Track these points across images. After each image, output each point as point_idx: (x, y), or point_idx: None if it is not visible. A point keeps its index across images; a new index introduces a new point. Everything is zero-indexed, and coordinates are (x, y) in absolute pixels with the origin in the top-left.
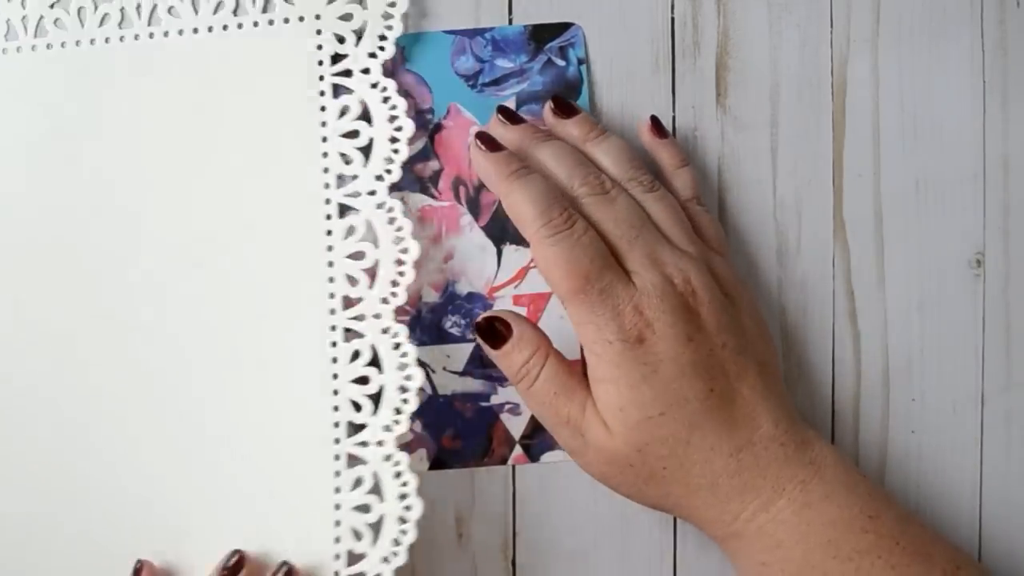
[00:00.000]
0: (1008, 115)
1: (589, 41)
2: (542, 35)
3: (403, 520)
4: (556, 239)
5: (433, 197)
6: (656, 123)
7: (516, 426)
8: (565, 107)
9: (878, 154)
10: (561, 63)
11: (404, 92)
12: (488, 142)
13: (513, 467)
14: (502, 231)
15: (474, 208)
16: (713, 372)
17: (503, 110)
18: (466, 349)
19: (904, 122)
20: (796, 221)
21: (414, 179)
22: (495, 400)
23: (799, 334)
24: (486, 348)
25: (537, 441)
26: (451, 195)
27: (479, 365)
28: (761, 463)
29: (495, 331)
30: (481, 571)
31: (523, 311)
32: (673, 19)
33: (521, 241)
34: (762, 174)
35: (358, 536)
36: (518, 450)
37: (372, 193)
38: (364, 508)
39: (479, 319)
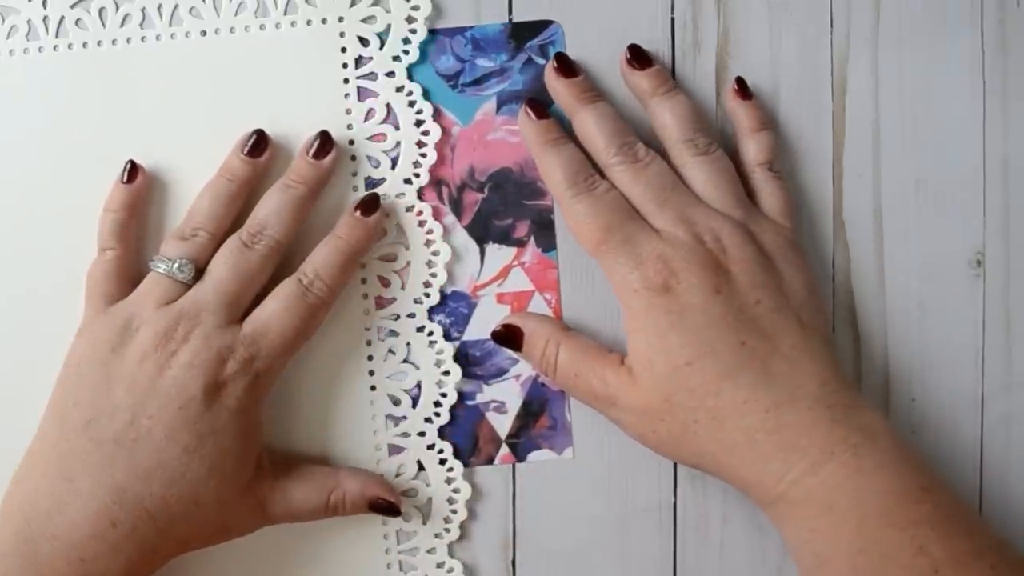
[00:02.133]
0: (1008, 115)
1: (590, 41)
2: (522, 34)
3: (452, 501)
4: (580, 198)
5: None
6: (741, 84)
7: (502, 425)
8: (640, 57)
9: (878, 154)
10: (542, 61)
11: None
12: (536, 109)
13: (513, 467)
14: (485, 230)
15: (456, 208)
16: (746, 326)
17: (560, 59)
18: (451, 348)
19: (904, 122)
20: (796, 221)
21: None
22: (480, 399)
23: None
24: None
25: (523, 440)
26: (434, 195)
27: (465, 364)
28: (804, 422)
29: (510, 336)
30: (481, 571)
31: (506, 309)
32: (673, 19)
33: (504, 240)
34: None
35: (405, 517)
36: (504, 449)
37: (400, 196)
38: (411, 492)
39: (494, 330)
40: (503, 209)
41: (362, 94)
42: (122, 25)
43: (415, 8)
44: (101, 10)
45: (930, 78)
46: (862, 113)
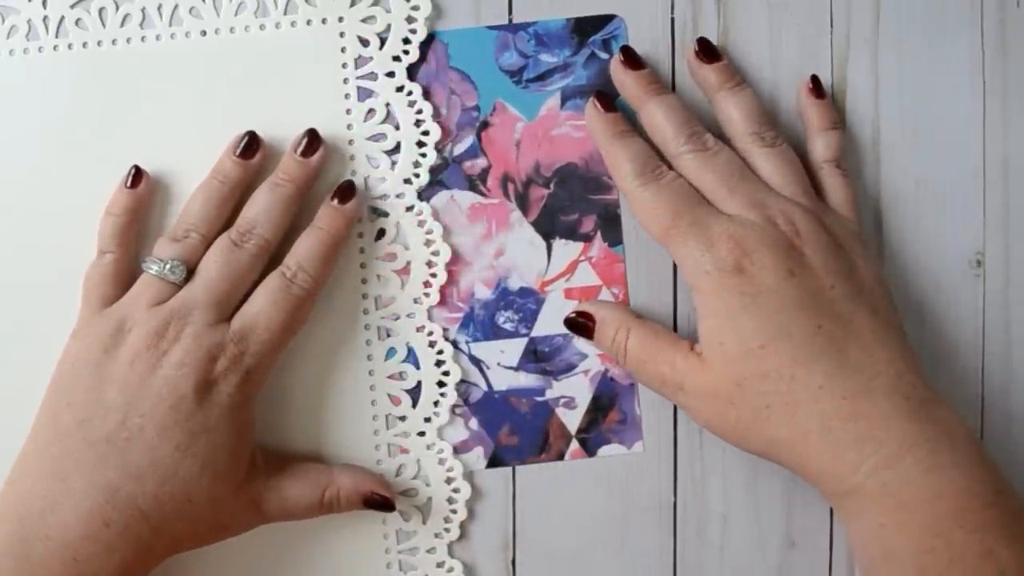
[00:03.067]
0: (1008, 115)
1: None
2: (585, 28)
3: (452, 501)
4: (647, 186)
5: (482, 194)
6: (816, 83)
7: (572, 420)
8: (709, 51)
9: (878, 154)
10: (605, 56)
11: (449, 90)
12: (604, 102)
13: (513, 467)
14: (551, 226)
15: (523, 204)
16: (821, 310)
17: (626, 51)
18: (519, 344)
19: (904, 122)
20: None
21: (463, 177)
22: (550, 394)
23: None
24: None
25: (593, 434)
26: (500, 192)
27: (533, 359)
28: (882, 412)
29: (581, 324)
30: (481, 571)
31: (574, 304)
32: (673, 19)
33: (570, 235)
34: None
35: (405, 517)
36: (574, 444)
37: (400, 196)
38: (411, 492)
39: (567, 317)
40: (569, 204)
41: (362, 94)
42: (122, 25)
43: (415, 8)
44: (101, 10)
45: (930, 78)
46: (862, 113)
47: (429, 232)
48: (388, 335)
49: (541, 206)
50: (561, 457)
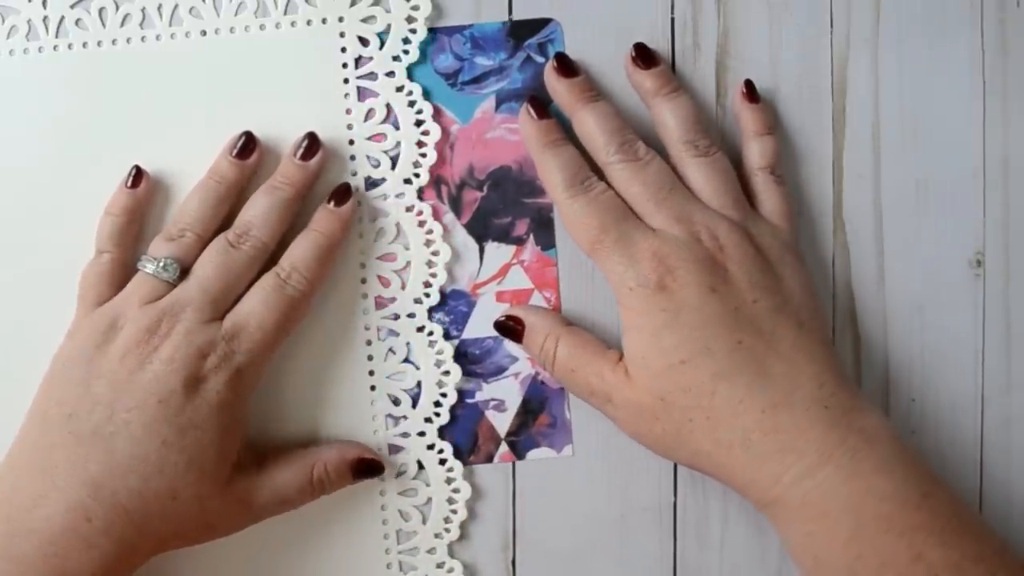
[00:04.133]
0: (1008, 115)
1: (590, 41)
2: (521, 32)
3: (452, 501)
4: (576, 199)
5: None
6: (750, 88)
7: (502, 423)
8: (646, 56)
9: (878, 154)
10: (540, 60)
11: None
12: (538, 108)
13: (513, 466)
14: (484, 228)
15: (456, 206)
16: (742, 325)
17: (560, 58)
18: (451, 348)
19: (904, 122)
20: (795, 225)
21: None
22: (480, 397)
23: None
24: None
25: (523, 438)
26: (433, 194)
27: (464, 362)
28: (801, 424)
29: (510, 328)
30: (481, 571)
31: (506, 307)
32: (673, 19)
33: (503, 238)
34: None
35: (405, 517)
36: (504, 447)
37: (400, 196)
38: (411, 492)
39: (496, 320)
40: (502, 207)
41: (362, 94)
42: (122, 25)
43: (415, 8)
44: (101, 10)
45: (930, 78)
46: (862, 113)
47: (429, 232)
48: (388, 335)
49: (474, 209)
50: (490, 460)
